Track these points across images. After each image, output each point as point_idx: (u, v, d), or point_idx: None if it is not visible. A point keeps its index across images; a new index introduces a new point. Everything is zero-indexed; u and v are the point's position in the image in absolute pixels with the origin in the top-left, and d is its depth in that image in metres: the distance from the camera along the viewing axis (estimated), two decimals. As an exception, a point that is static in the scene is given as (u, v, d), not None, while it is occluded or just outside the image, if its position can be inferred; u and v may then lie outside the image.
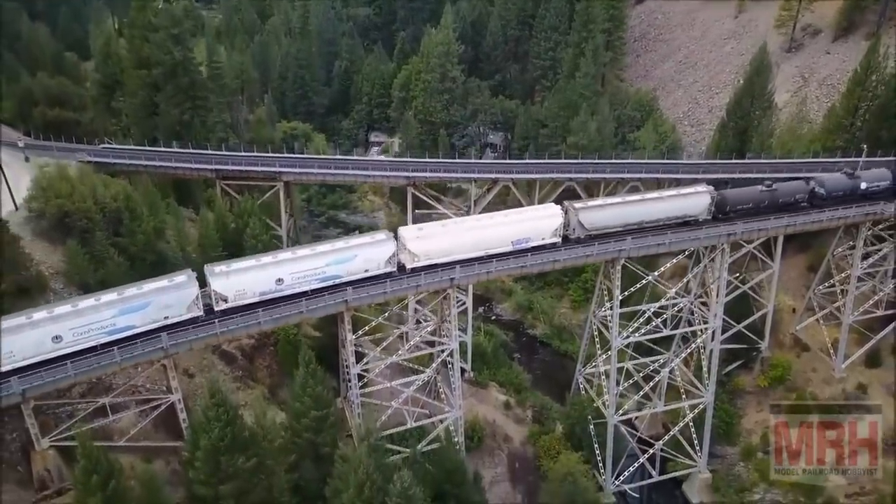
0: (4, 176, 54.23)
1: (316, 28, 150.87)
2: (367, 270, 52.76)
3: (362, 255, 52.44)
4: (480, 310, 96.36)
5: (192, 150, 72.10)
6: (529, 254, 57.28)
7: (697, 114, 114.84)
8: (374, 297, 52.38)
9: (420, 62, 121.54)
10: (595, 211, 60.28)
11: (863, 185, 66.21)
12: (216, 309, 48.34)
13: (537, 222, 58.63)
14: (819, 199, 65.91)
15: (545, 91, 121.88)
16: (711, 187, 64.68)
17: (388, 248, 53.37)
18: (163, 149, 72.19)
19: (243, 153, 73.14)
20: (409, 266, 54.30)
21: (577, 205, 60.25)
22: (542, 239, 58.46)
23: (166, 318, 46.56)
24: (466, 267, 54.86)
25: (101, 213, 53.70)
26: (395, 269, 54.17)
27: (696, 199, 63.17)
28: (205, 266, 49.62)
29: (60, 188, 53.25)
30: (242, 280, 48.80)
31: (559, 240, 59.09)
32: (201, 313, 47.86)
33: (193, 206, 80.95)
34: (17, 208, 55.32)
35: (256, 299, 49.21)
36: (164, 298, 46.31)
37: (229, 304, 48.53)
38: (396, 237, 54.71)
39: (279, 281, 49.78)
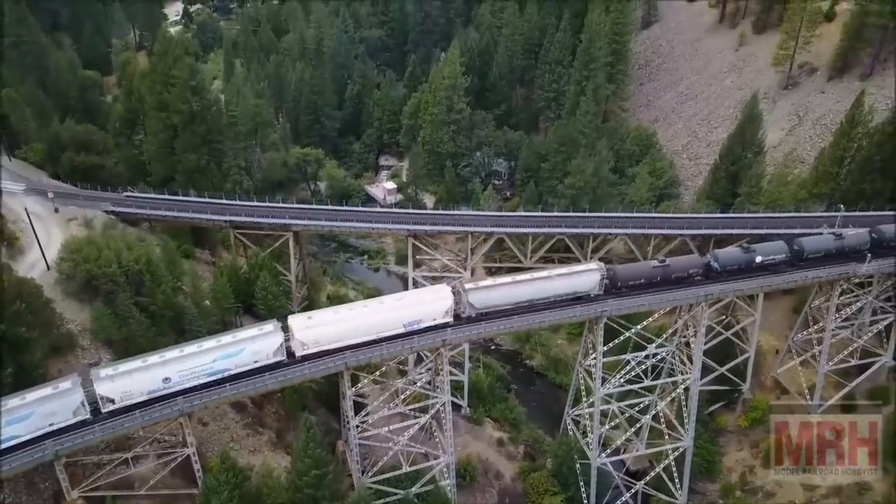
0: (39, 243, 59.72)
1: (329, 51, 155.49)
2: (256, 361, 54.26)
3: (250, 347, 53.93)
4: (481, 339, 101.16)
5: (208, 201, 76.89)
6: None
7: (696, 147, 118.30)
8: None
9: (428, 93, 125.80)
10: (484, 291, 62.18)
11: (758, 259, 69.34)
12: (103, 411, 49.81)
13: (428, 305, 60.25)
14: (714, 273, 68.71)
15: (549, 122, 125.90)
16: (602, 264, 66.99)
17: (275, 340, 54.95)
18: (181, 198, 77.08)
19: (256, 203, 77.80)
20: (298, 354, 56.08)
21: (468, 286, 62.54)
22: (434, 320, 59.96)
23: (51, 424, 47.73)
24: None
25: (124, 276, 58.78)
26: (284, 357, 55.61)
27: (586, 277, 64.91)
28: (91, 369, 51.04)
29: (88, 253, 58.39)
30: (128, 382, 50.06)
31: (451, 319, 60.78)
32: (88, 416, 49.27)
33: (209, 245, 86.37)
34: (48, 268, 60.56)
35: (145, 398, 50.72)
36: (48, 407, 47.39)
37: (117, 406, 50.01)
38: (285, 327, 56.36)
39: (166, 380, 51.28)
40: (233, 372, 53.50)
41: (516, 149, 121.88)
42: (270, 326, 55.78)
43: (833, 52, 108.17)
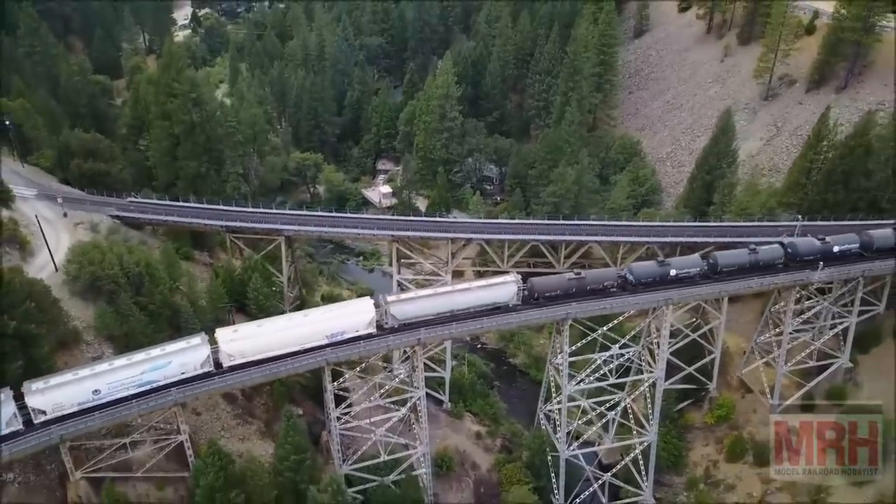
0: (48, 246, 65.21)
1: (331, 58, 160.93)
2: (183, 373, 56.78)
3: (177, 360, 56.41)
4: (468, 338, 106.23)
5: (205, 206, 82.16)
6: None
7: (679, 155, 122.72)
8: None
9: (422, 101, 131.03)
10: (405, 303, 65.15)
11: (672, 272, 72.24)
12: (35, 422, 51.90)
13: (351, 317, 63.12)
14: (630, 285, 71.91)
15: (539, 129, 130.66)
16: (518, 276, 69.68)
17: (202, 352, 57.55)
18: (180, 204, 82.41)
19: (250, 210, 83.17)
20: (226, 364, 58.78)
21: (390, 298, 65.41)
22: (357, 331, 62.66)
23: None
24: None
25: (125, 277, 64.02)
26: (212, 368, 58.16)
27: (503, 289, 68.04)
28: (24, 383, 52.27)
29: (93, 256, 63.69)
30: (59, 394, 52.24)
31: (374, 330, 63.60)
32: (21, 427, 51.28)
33: (208, 248, 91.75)
34: (56, 269, 65.93)
35: (76, 409, 53.03)
36: None
37: (48, 417, 52.20)
38: (212, 340, 58.79)
39: (96, 392, 53.51)
40: (161, 383, 56.11)
41: (506, 156, 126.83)
42: (198, 340, 58.46)
43: (811, 65, 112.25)
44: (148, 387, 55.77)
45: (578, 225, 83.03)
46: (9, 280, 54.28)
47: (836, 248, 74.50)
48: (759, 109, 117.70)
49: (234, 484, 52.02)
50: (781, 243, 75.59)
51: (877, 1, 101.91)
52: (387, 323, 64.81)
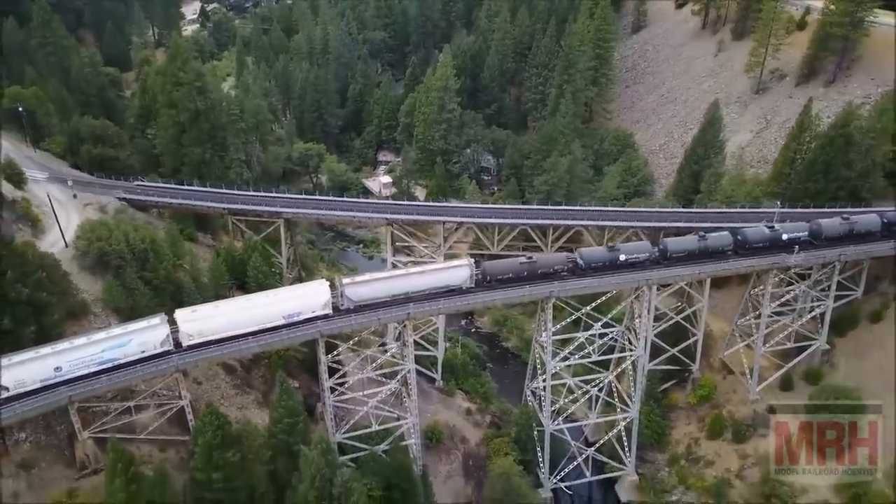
0: (59, 225, 68.96)
1: (334, 52, 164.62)
2: (143, 351, 58.36)
3: (137, 339, 57.99)
4: (463, 322, 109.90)
5: (208, 190, 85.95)
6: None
7: (672, 147, 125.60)
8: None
9: (422, 94, 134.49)
10: (360, 286, 66.95)
11: (622, 257, 74.40)
12: None
13: (306, 299, 65.05)
14: (580, 269, 73.95)
15: (536, 122, 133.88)
16: (472, 260, 72.04)
17: (161, 332, 59.29)
18: (184, 187, 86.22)
19: (251, 193, 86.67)
20: (185, 344, 60.44)
21: (345, 280, 67.28)
22: (313, 312, 64.48)
23: None
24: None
25: (131, 253, 67.73)
26: (172, 347, 59.84)
27: (456, 272, 70.12)
28: None
29: (101, 233, 67.47)
30: (21, 371, 53.73)
31: (330, 311, 65.44)
32: None
33: (211, 231, 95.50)
34: (66, 246, 69.71)
35: (38, 385, 54.80)
36: None
37: (10, 393, 53.70)
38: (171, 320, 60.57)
39: (58, 369, 55.00)
40: (121, 361, 57.94)
41: (503, 147, 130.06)
42: (157, 320, 60.26)
43: (801, 59, 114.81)
44: (109, 364, 57.70)
45: (566, 210, 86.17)
46: (22, 252, 57.97)
47: (784, 237, 77.01)
48: (750, 103, 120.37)
49: (231, 444, 55.39)
50: (731, 231, 78.34)
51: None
52: (342, 304, 66.69)
